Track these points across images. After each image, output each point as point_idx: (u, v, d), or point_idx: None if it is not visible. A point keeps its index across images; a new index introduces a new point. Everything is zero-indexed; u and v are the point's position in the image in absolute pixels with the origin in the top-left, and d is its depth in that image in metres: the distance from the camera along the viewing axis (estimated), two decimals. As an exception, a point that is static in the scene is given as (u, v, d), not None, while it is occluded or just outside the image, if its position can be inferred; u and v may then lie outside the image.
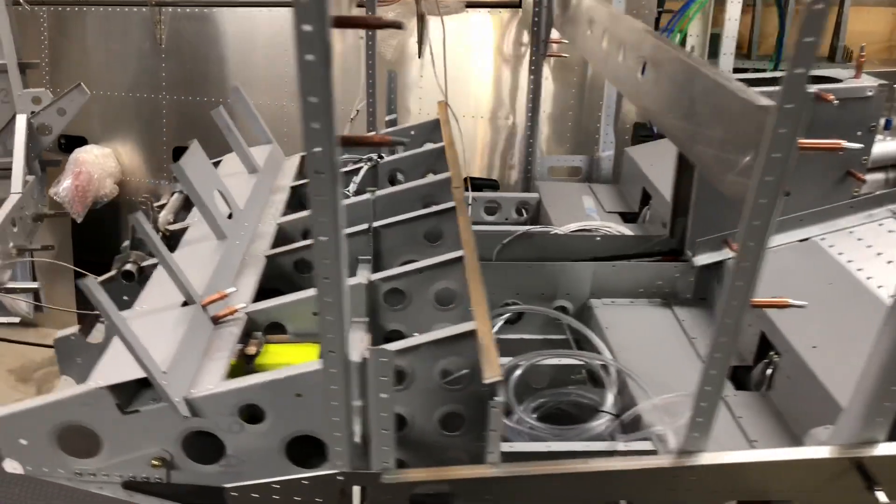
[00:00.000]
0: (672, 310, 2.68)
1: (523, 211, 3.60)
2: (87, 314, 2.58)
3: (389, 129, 3.42)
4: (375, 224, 2.52)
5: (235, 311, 2.16)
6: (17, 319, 2.88)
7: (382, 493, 1.68)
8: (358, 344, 2.12)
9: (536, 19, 3.31)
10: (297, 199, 3.08)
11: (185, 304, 2.14)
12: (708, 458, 1.69)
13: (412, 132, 3.38)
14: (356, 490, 1.70)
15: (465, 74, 4.65)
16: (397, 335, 2.28)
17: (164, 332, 1.99)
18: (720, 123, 1.54)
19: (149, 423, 1.88)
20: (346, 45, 4.92)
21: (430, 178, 2.75)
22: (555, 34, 3.57)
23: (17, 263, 3.23)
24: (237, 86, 3.23)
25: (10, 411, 1.89)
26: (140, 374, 1.82)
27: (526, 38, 4.68)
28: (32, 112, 3.50)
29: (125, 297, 2.58)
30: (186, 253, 2.47)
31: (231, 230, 2.53)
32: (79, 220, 5.96)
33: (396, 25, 1.62)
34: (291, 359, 2.13)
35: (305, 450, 1.94)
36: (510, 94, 4.72)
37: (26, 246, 3.30)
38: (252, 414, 1.91)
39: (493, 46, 4.61)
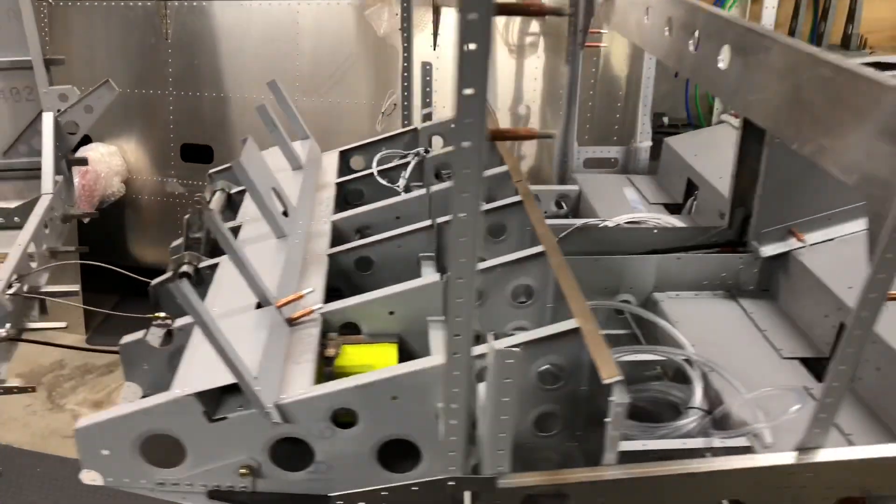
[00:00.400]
0: (738, 302, 2.65)
1: (562, 204, 3.55)
2: (144, 318, 2.50)
3: (428, 124, 3.35)
4: (439, 220, 2.45)
5: (312, 311, 2.09)
6: (63, 324, 2.78)
7: (496, 497, 1.63)
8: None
9: (574, 9, 3.25)
10: (342, 197, 3.00)
11: (258, 305, 2.07)
12: (827, 454, 1.65)
13: (452, 125, 3.30)
14: (466, 495, 1.64)
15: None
16: (473, 334, 2.22)
17: (245, 336, 1.91)
18: (846, 111, 1.50)
19: (236, 430, 1.81)
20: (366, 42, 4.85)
21: (489, 171, 2.69)
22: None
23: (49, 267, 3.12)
24: (274, 81, 3.14)
25: (92, 421, 1.81)
26: (228, 379, 1.75)
27: (536, 27, 4.63)
28: (59, 110, 3.38)
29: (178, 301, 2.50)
30: (246, 253, 2.39)
31: (289, 229, 2.46)
32: (85, 221, 5.83)
33: (558, 13, 1.55)
34: (371, 360, 2.07)
35: (384, 453, 1.89)
36: (527, 85, 4.67)
37: (59, 248, 3.20)
38: (340, 418, 1.84)
39: (502, 37, 4.57)
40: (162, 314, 2.51)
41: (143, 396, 2.20)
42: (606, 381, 1.57)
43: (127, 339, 2.16)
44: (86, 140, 5.83)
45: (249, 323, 1.99)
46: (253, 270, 2.02)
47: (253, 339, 1.90)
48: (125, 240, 6.26)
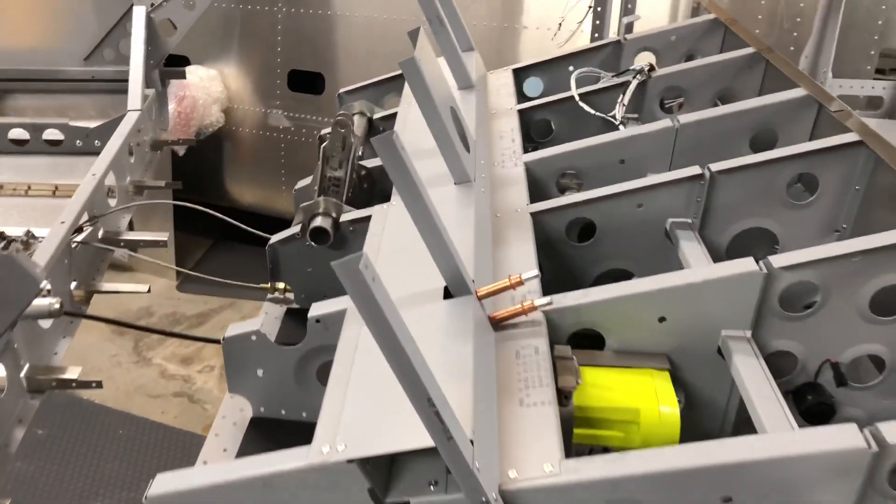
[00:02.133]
0: None
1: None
2: (256, 287, 1.73)
3: (635, 35, 2.42)
4: (714, 168, 1.56)
5: (534, 308, 1.25)
6: (145, 288, 2.06)
7: None
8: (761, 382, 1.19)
9: None
10: (524, 131, 2.13)
11: (447, 294, 1.25)
12: None
13: (672, 37, 2.38)
14: None
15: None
16: (786, 360, 1.34)
17: (438, 356, 1.10)
18: None
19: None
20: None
21: (767, 98, 1.77)
22: None
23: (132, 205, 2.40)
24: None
25: (166, 489, 1.04)
26: (422, 441, 0.94)
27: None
28: (153, 3, 2.63)
29: (309, 269, 1.71)
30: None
31: (472, 171, 1.62)
32: (180, 153, 5.19)
33: None
34: (633, 399, 1.23)
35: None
36: None
37: (145, 182, 2.47)
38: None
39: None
40: (281, 284, 1.75)
41: (255, 419, 1.44)
42: None
43: (234, 330, 1.39)
44: (183, 62, 5.14)
45: (436, 329, 1.17)
46: (448, 237, 1.19)
47: (453, 363, 1.09)
48: (222, 177, 5.61)
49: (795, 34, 3.68)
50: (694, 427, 1.32)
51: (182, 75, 2.82)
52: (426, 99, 1.45)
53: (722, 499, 0.95)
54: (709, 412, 1.35)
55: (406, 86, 2.25)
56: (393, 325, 0.84)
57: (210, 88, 5.16)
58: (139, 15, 2.59)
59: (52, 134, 2.60)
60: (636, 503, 0.97)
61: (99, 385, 1.61)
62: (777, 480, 0.94)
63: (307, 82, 5.05)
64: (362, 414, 1.04)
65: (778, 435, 1.04)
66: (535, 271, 1.25)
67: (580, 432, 1.21)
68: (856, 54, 3.58)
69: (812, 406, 1.33)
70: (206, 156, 5.47)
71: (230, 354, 1.39)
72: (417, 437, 0.94)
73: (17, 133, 2.58)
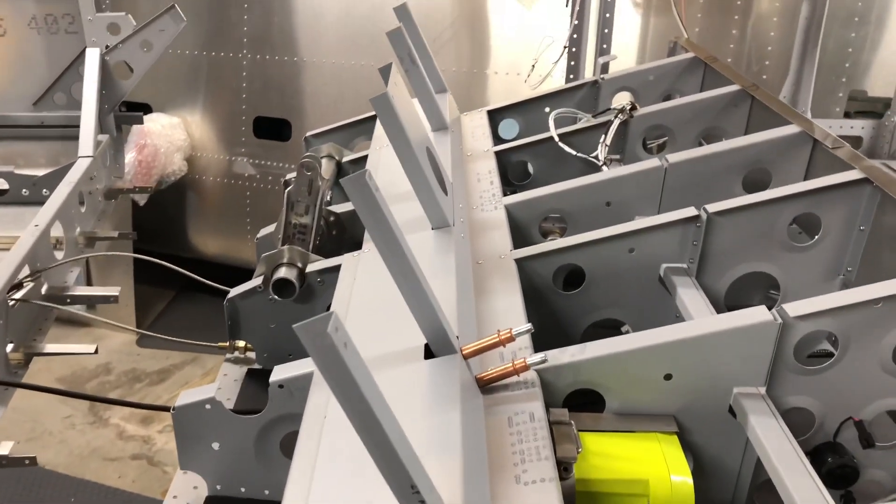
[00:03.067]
0: None
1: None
2: (213, 346, 1.57)
3: (613, 75, 2.35)
4: (711, 209, 1.45)
5: (527, 368, 1.11)
6: (92, 349, 1.87)
7: None
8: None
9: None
10: (502, 170, 2.02)
11: (428, 353, 1.11)
12: None
13: (650, 76, 2.31)
14: None
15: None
16: (802, 419, 1.21)
17: (418, 427, 0.95)
18: None
19: None
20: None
21: (759, 135, 1.68)
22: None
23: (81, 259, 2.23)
24: (404, 3, 2.19)
25: None
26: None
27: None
28: (107, 46, 2.50)
29: (272, 325, 1.56)
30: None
31: (451, 215, 1.49)
32: (141, 203, 5.00)
33: None
34: (639, 470, 1.09)
35: None
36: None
37: (96, 234, 2.30)
38: None
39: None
40: (242, 343, 1.59)
41: (211, 498, 1.26)
42: None
43: (185, 398, 1.22)
44: (145, 109, 5.00)
45: (420, 394, 1.03)
46: (428, 288, 1.05)
47: (438, 434, 0.94)
48: (185, 227, 5.42)
49: (765, 77, 3.67)
50: (704, 495, 1.18)
51: (139, 120, 2.67)
52: (400, 136, 1.33)
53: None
54: (720, 478, 1.22)
55: (377, 127, 2.14)
56: (369, 401, 0.70)
57: (172, 136, 5.01)
58: (93, 57, 2.46)
59: (-4, 182, 2.43)
60: None
61: (33, 462, 1.42)
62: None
63: (273, 129, 4.93)
64: (333, 496, 0.89)
65: None
66: (528, 325, 1.12)
67: (582, 509, 1.07)
68: (825, 97, 3.57)
69: (834, 469, 1.20)
70: (169, 205, 5.30)
71: (181, 426, 1.23)
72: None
73: (-41, 182, 2.40)
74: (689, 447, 1.18)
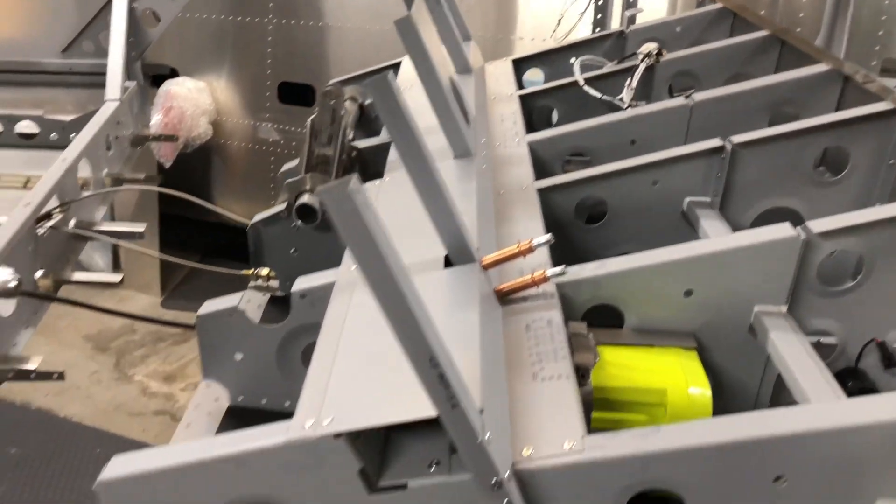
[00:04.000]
0: None
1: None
2: (237, 273, 1.59)
3: (638, 26, 2.32)
4: (736, 140, 1.44)
5: (546, 279, 1.12)
6: (117, 277, 1.91)
7: None
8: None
9: None
10: (526, 117, 2.01)
11: (448, 262, 1.12)
12: None
13: (678, 28, 2.28)
14: None
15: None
16: (824, 346, 1.20)
17: (437, 322, 0.96)
18: None
19: (422, 513, 0.86)
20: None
21: (787, 73, 1.66)
22: None
23: (109, 199, 2.26)
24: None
25: (124, 472, 0.88)
26: (422, 411, 0.80)
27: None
28: (135, -8, 2.52)
29: (293, 251, 1.57)
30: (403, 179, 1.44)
31: (473, 145, 1.49)
32: (167, 165, 5.05)
33: None
34: (658, 380, 1.09)
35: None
36: None
37: (123, 175, 2.33)
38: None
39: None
40: (265, 270, 1.60)
41: (232, 406, 1.29)
42: None
43: (208, 307, 1.24)
44: (171, 74, 5.03)
45: (439, 297, 1.04)
46: (448, 195, 1.06)
47: (456, 331, 0.95)
48: (209, 192, 5.45)
49: (799, 30, 3.60)
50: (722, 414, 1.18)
51: (165, 71, 2.70)
52: (423, 61, 1.33)
53: (773, 478, 0.81)
54: (738, 398, 1.22)
55: (401, 72, 2.14)
56: (389, 263, 0.71)
57: (198, 100, 5.04)
58: (120, 5, 2.48)
59: (25, 127, 2.46)
60: (669, 487, 0.83)
61: (61, 376, 1.45)
62: (836, 456, 0.80)
63: (298, 94, 4.94)
64: (352, 384, 0.90)
65: (839, 403, 0.90)
66: (548, 236, 1.12)
67: (598, 416, 1.07)
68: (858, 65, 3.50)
69: (853, 392, 1.19)
70: (193, 170, 5.34)
71: (205, 335, 1.25)
72: (417, 406, 0.80)
73: (-10, 125, 2.44)
74: (707, 367, 1.18)
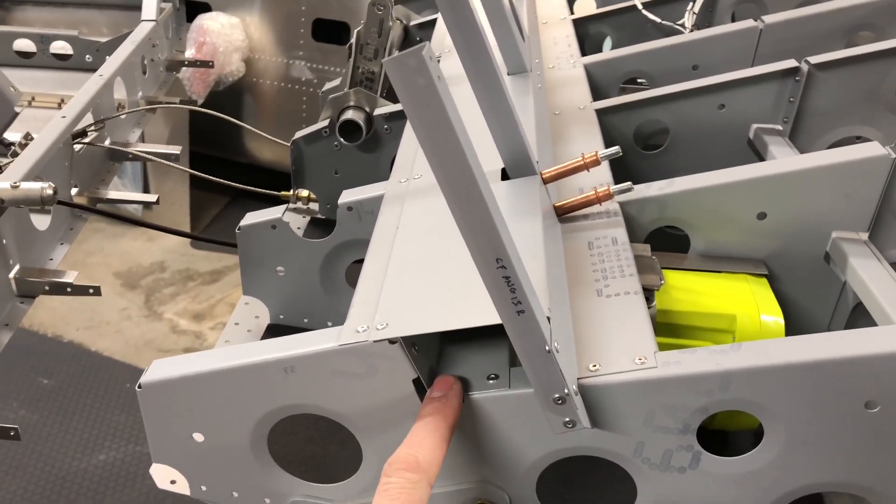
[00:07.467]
0: None
1: None
2: (275, 194, 1.54)
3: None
4: (814, 60, 1.34)
5: (609, 195, 1.05)
6: (153, 197, 1.87)
7: None
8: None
9: None
10: (579, 44, 1.91)
11: (504, 176, 1.05)
12: None
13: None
14: None
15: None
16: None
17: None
18: None
19: (489, 427, 0.81)
20: None
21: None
22: None
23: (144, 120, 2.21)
24: None
25: (168, 374, 0.84)
26: (487, 317, 0.74)
27: None
28: None
29: (336, 174, 1.51)
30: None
31: (528, 61, 1.41)
32: (199, 102, 4.99)
33: None
34: (728, 306, 1.02)
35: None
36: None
37: (158, 99, 2.27)
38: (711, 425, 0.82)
39: None
40: (304, 192, 1.55)
41: (272, 325, 1.25)
42: None
43: (250, 219, 1.19)
44: (204, 8, 4.94)
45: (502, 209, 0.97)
46: (509, 98, 0.98)
47: (518, 240, 0.88)
48: (240, 132, 5.39)
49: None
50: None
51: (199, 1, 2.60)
52: (480, -34, 1.24)
53: (863, 402, 0.74)
54: (807, 332, 1.14)
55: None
56: (462, 144, 0.64)
57: (231, 36, 4.95)
58: (157, -79, 2.39)
59: (60, 47, 2.41)
60: (750, 406, 0.76)
61: (97, 291, 1.42)
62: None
63: (332, 32, 4.83)
64: (407, 292, 0.84)
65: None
66: (615, 148, 1.04)
67: (662, 341, 1.00)
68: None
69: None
70: (225, 109, 5.26)
71: (246, 248, 1.20)
72: (478, 314, 0.74)
73: (23, 45, 2.39)
74: (786, 298, 1.10)
